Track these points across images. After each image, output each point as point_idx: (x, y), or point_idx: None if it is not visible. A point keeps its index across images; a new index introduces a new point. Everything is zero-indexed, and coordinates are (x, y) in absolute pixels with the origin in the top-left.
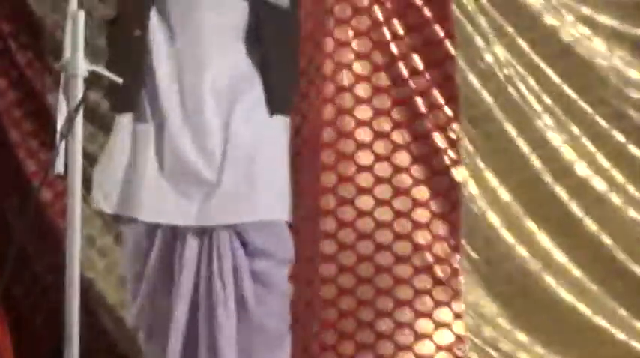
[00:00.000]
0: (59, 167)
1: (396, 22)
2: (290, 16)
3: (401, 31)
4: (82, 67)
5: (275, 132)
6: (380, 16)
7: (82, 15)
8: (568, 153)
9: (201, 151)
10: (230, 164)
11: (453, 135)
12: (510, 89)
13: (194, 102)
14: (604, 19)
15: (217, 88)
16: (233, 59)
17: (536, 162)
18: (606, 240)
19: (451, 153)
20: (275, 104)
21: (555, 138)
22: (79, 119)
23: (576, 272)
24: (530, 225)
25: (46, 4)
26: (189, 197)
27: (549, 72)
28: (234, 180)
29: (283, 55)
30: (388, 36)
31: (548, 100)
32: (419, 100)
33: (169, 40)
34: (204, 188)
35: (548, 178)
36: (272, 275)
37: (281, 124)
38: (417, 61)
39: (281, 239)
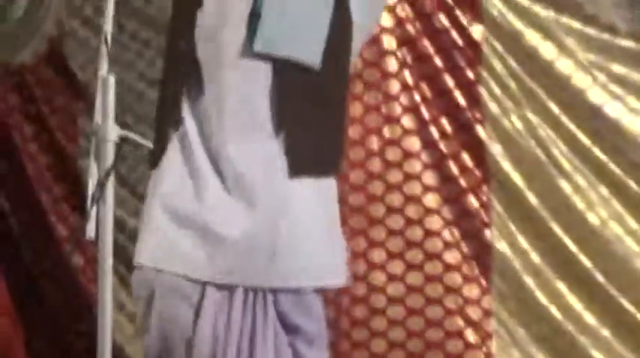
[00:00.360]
0: (90, 232)
1: (429, 86)
2: (325, 74)
3: (432, 93)
4: (113, 132)
5: (306, 193)
6: (410, 80)
7: (112, 80)
8: (595, 215)
9: (225, 208)
10: (250, 223)
11: (483, 198)
12: (539, 152)
13: (219, 161)
14: (637, 78)
15: (240, 150)
16: (257, 121)
17: (561, 226)
18: (628, 305)
19: (482, 216)
20: (296, 166)
21: (581, 202)
22: (110, 184)
23: (606, 334)
24: (561, 287)
25: (90, 68)
26: (208, 251)
27: (579, 134)
28: (254, 241)
29: (311, 115)
30: (418, 100)
31: (577, 162)
32: (449, 163)
33: (197, 98)
34: (224, 244)
35: (573, 244)
36: (306, 354)
37: (311, 185)
38: (446, 125)
39: (313, 313)
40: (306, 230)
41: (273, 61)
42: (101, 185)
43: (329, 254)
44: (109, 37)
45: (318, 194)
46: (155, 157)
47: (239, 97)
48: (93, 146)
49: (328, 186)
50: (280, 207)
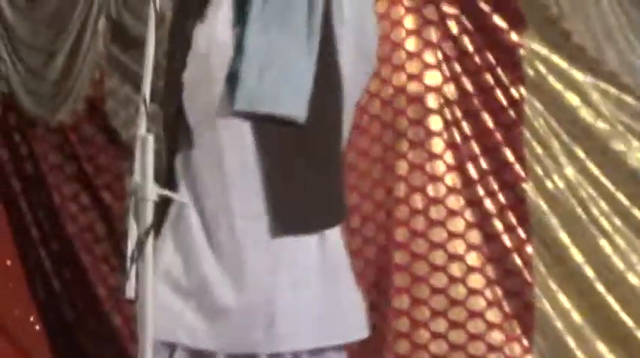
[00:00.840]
0: (130, 292)
1: (474, 144)
2: (314, 128)
3: (477, 152)
4: (152, 191)
5: (304, 249)
6: (459, 138)
7: (150, 139)
8: (635, 275)
9: (219, 273)
10: (247, 289)
11: (526, 257)
12: (580, 212)
13: (214, 227)
14: None
15: (234, 214)
16: (249, 179)
17: (603, 285)
18: None
19: (525, 275)
20: (281, 224)
21: (621, 261)
22: (150, 243)
23: None
24: (601, 347)
25: (132, 126)
26: (207, 318)
27: (618, 194)
28: (250, 309)
29: (299, 170)
30: (463, 159)
31: (618, 222)
32: (493, 222)
33: (190, 161)
34: (222, 315)
35: (615, 303)
36: None
37: (304, 244)
38: (493, 183)
39: None
40: (303, 290)
41: (257, 117)
42: (140, 244)
43: (334, 311)
44: (147, 97)
45: (319, 248)
46: (158, 226)
47: (230, 157)
48: (132, 205)
49: (330, 238)
50: (274, 269)
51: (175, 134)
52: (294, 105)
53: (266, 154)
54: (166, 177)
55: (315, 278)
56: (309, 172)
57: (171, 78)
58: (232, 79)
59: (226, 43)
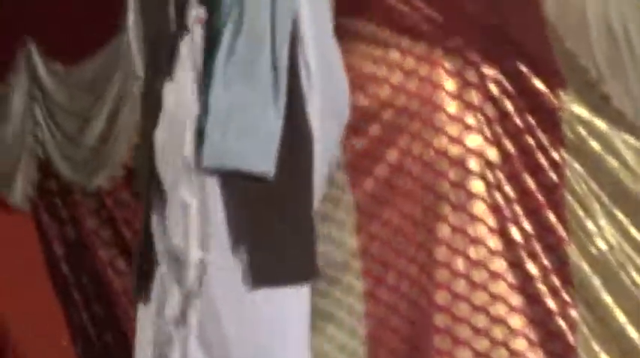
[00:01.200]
0: (174, 355)
1: (516, 207)
2: (284, 183)
3: (519, 214)
4: (194, 254)
5: (277, 304)
6: (501, 201)
7: (194, 203)
8: None
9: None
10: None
11: (570, 320)
12: (622, 273)
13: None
14: None
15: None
16: (219, 236)
17: None
18: None
19: (568, 338)
20: (254, 275)
21: None
22: (193, 308)
23: None
24: None
25: None
26: None
27: None
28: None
29: (270, 224)
30: (505, 221)
31: None
32: (536, 285)
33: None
34: None
35: None
36: None
37: (280, 295)
38: (535, 246)
39: None
40: (280, 339)
41: (225, 173)
42: (183, 309)
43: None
44: (190, 159)
45: (293, 298)
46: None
47: (198, 214)
48: (173, 265)
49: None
50: (250, 320)
51: (150, 196)
52: (262, 160)
53: (234, 209)
54: (144, 237)
55: (289, 327)
56: (278, 227)
57: (144, 138)
58: (201, 135)
59: (193, 101)
